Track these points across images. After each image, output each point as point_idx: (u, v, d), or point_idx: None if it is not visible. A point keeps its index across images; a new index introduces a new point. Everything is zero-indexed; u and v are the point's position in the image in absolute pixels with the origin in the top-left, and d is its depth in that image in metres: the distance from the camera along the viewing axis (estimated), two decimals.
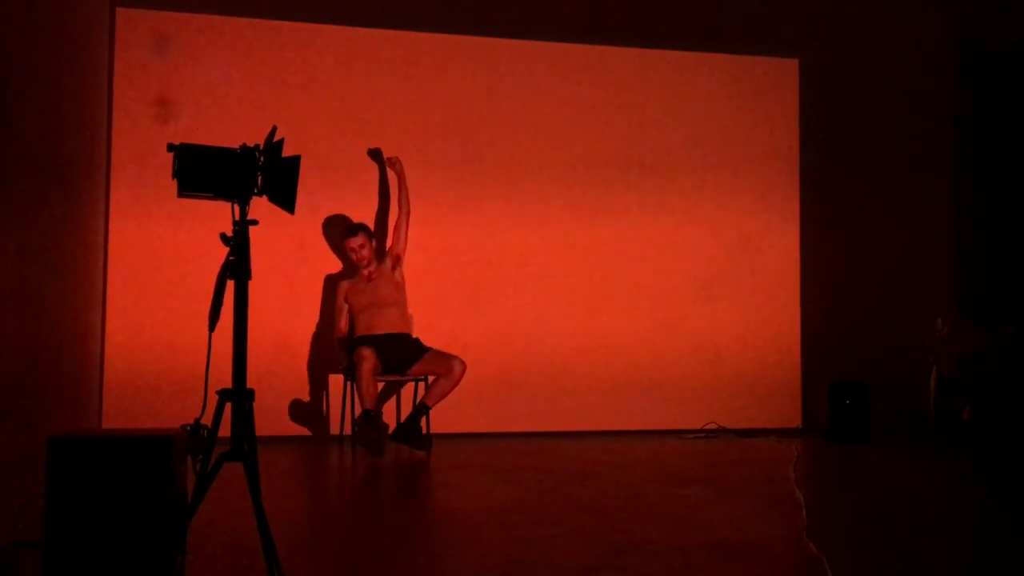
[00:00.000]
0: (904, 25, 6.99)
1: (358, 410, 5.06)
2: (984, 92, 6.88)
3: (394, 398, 6.06)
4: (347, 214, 5.96)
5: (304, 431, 5.88)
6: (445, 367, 5.21)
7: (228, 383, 2.61)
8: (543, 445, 5.68)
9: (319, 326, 5.95)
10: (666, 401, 6.41)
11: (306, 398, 5.92)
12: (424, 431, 5.19)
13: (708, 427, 6.37)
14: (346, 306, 5.51)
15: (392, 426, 5.25)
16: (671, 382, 6.44)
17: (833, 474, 5.07)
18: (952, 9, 6.99)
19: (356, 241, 5.41)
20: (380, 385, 5.36)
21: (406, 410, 5.91)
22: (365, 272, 5.47)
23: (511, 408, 6.16)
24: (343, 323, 5.52)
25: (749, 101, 6.70)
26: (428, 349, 5.38)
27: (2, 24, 3.25)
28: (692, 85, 6.62)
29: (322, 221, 5.94)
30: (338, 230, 5.83)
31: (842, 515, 3.78)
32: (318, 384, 5.93)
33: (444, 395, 5.20)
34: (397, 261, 5.59)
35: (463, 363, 5.21)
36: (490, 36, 6.31)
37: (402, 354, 5.32)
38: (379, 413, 5.02)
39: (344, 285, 5.54)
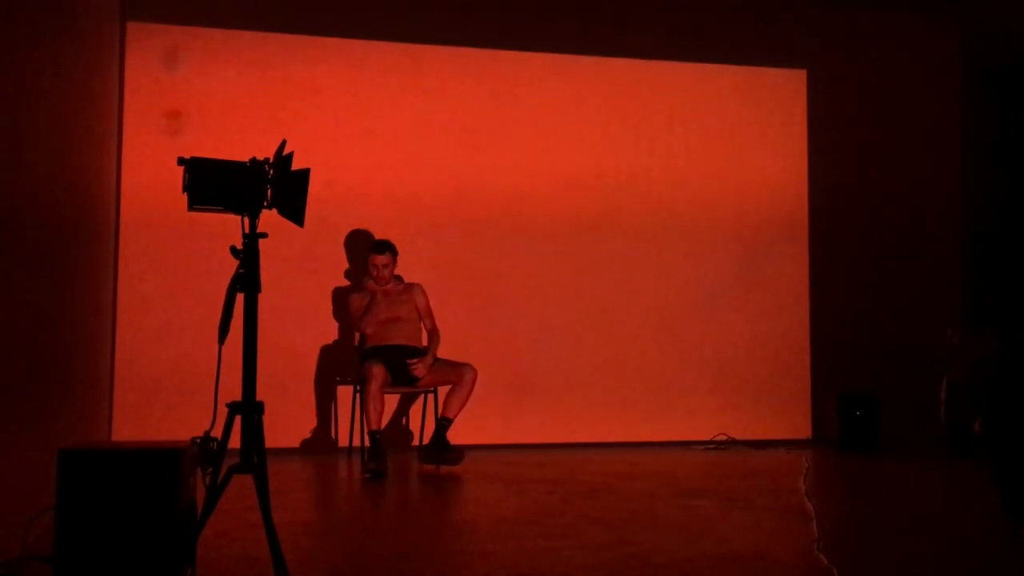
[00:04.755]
0: (912, 36, 7.00)
1: (366, 424, 5.05)
2: (994, 102, 6.86)
3: (411, 409, 6.07)
4: (355, 226, 5.98)
5: (313, 443, 5.88)
6: (455, 375, 5.20)
7: (238, 395, 2.61)
8: (552, 457, 5.66)
9: (329, 338, 5.96)
10: (675, 412, 6.40)
11: (315, 410, 5.92)
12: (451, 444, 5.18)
13: (717, 438, 6.35)
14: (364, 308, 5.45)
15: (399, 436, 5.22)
16: (680, 393, 6.42)
17: (843, 486, 5.05)
18: (960, 21, 6.99)
19: (381, 259, 5.37)
20: (393, 399, 5.33)
21: (415, 413, 5.93)
22: (382, 289, 5.43)
23: (520, 420, 6.16)
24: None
25: (757, 111, 6.70)
26: (439, 359, 5.38)
27: (12, 38, 3.27)
28: (699, 96, 6.63)
29: (332, 234, 5.96)
30: (359, 244, 5.84)
31: (853, 527, 3.76)
32: (327, 396, 5.93)
33: (462, 404, 5.18)
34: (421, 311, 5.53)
35: (474, 369, 5.20)
36: (498, 48, 6.34)
37: None
38: (381, 439, 5.01)
39: (356, 297, 5.50)
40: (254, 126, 5.77)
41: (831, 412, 6.24)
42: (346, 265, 6.01)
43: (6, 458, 3.06)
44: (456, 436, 5.18)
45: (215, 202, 2.63)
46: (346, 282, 5.98)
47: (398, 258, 5.43)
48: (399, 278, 5.51)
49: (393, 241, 5.46)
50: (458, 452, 5.11)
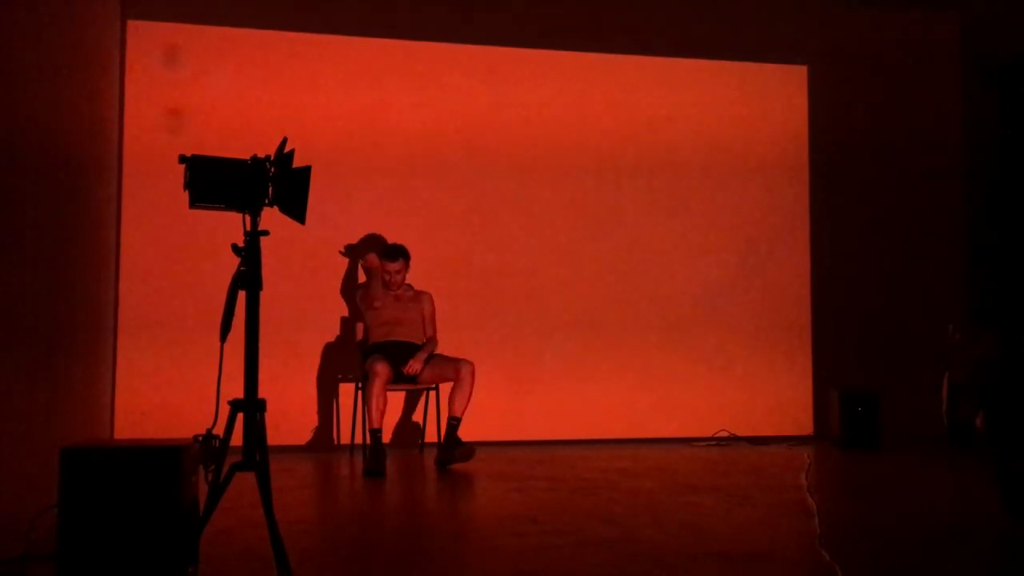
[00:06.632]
0: (913, 32, 6.99)
1: (367, 421, 5.06)
2: (995, 99, 6.86)
3: (416, 409, 6.08)
4: (357, 224, 5.98)
5: (315, 441, 5.89)
6: (452, 370, 5.21)
7: (240, 393, 2.62)
8: (554, 454, 5.67)
9: (330, 336, 5.97)
10: (676, 409, 6.40)
11: (317, 407, 5.93)
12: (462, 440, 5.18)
13: (719, 435, 6.35)
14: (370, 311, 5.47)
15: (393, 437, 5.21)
16: (682, 390, 6.43)
17: (845, 482, 5.05)
18: (962, 17, 6.98)
19: (395, 266, 5.40)
20: (399, 399, 5.34)
21: (420, 412, 5.94)
22: (393, 293, 5.46)
23: (522, 416, 6.16)
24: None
25: (758, 108, 6.70)
26: (435, 355, 5.39)
27: (13, 37, 3.27)
28: (701, 92, 6.63)
29: (334, 231, 5.96)
30: (368, 246, 5.85)
31: (855, 523, 3.77)
32: (329, 394, 5.94)
33: (466, 400, 5.18)
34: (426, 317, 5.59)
35: (471, 364, 5.20)
36: (498, 45, 6.34)
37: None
38: (382, 438, 5.02)
39: (364, 294, 5.51)
40: (255, 124, 5.78)
41: (833, 408, 6.24)
42: (347, 263, 6.01)
43: (9, 457, 3.06)
44: (459, 433, 5.18)
45: (216, 200, 2.63)
46: (347, 281, 5.99)
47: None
48: (409, 286, 5.54)
49: (394, 238, 5.47)
50: (469, 448, 5.12)
